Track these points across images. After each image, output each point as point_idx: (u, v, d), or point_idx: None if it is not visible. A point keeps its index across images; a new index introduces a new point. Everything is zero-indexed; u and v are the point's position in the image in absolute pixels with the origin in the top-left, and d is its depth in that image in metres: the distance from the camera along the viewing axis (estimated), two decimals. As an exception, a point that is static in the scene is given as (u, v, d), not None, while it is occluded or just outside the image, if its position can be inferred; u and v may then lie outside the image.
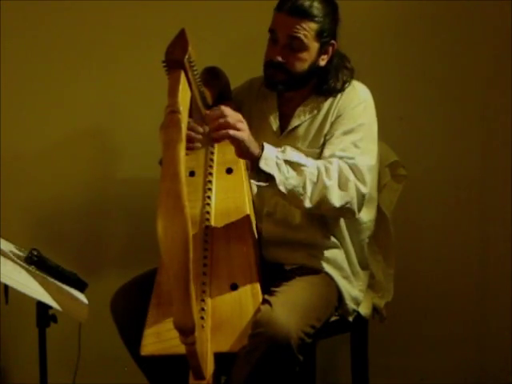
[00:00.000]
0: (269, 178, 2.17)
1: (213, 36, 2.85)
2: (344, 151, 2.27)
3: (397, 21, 2.91)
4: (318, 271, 2.34)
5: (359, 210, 2.28)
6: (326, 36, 2.31)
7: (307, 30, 2.28)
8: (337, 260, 2.39)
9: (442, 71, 2.95)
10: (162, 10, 2.87)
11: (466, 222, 3.02)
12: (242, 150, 2.14)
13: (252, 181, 2.25)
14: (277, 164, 2.17)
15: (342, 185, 2.22)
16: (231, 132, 2.10)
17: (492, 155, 2.99)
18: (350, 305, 2.40)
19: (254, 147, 2.15)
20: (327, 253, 2.37)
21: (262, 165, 2.15)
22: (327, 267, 2.36)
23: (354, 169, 2.25)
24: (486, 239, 3.03)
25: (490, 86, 2.96)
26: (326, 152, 2.29)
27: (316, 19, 2.28)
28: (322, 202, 2.21)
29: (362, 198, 2.26)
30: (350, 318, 2.43)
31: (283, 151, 2.20)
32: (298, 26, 2.27)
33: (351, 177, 2.23)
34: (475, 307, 3.05)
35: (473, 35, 2.93)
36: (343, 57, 2.40)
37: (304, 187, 2.19)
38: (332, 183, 2.20)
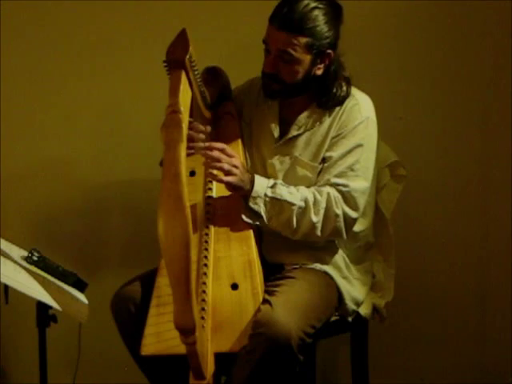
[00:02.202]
0: (258, 213, 2.26)
1: (214, 36, 2.84)
2: (339, 177, 2.29)
3: (396, 21, 2.90)
4: (319, 271, 2.34)
5: (348, 233, 2.32)
6: (319, 47, 2.25)
7: (297, 44, 2.23)
8: (336, 261, 2.39)
9: (442, 71, 2.95)
10: (163, 9, 2.87)
11: (466, 221, 3.01)
12: (232, 189, 2.25)
13: (243, 216, 2.29)
14: (265, 202, 2.25)
15: (329, 219, 2.27)
16: (224, 179, 2.21)
17: (492, 155, 2.99)
18: (350, 305, 2.40)
19: (244, 184, 2.23)
20: (327, 253, 2.38)
21: (251, 204, 2.25)
22: (327, 267, 2.36)
23: (347, 196, 2.28)
24: (486, 239, 3.03)
25: (490, 87, 2.95)
26: (323, 176, 2.32)
27: (306, 32, 2.22)
28: (309, 235, 2.29)
29: (352, 223, 2.31)
30: (350, 319, 2.43)
31: (273, 187, 2.26)
32: (286, 41, 2.23)
33: (340, 210, 2.26)
34: (475, 307, 3.04)
35: (473, 36, 2.92)
36: (340, 65, 2.35)
37: (290, 224, 2.26)
38: (318, 219, 2.26)
